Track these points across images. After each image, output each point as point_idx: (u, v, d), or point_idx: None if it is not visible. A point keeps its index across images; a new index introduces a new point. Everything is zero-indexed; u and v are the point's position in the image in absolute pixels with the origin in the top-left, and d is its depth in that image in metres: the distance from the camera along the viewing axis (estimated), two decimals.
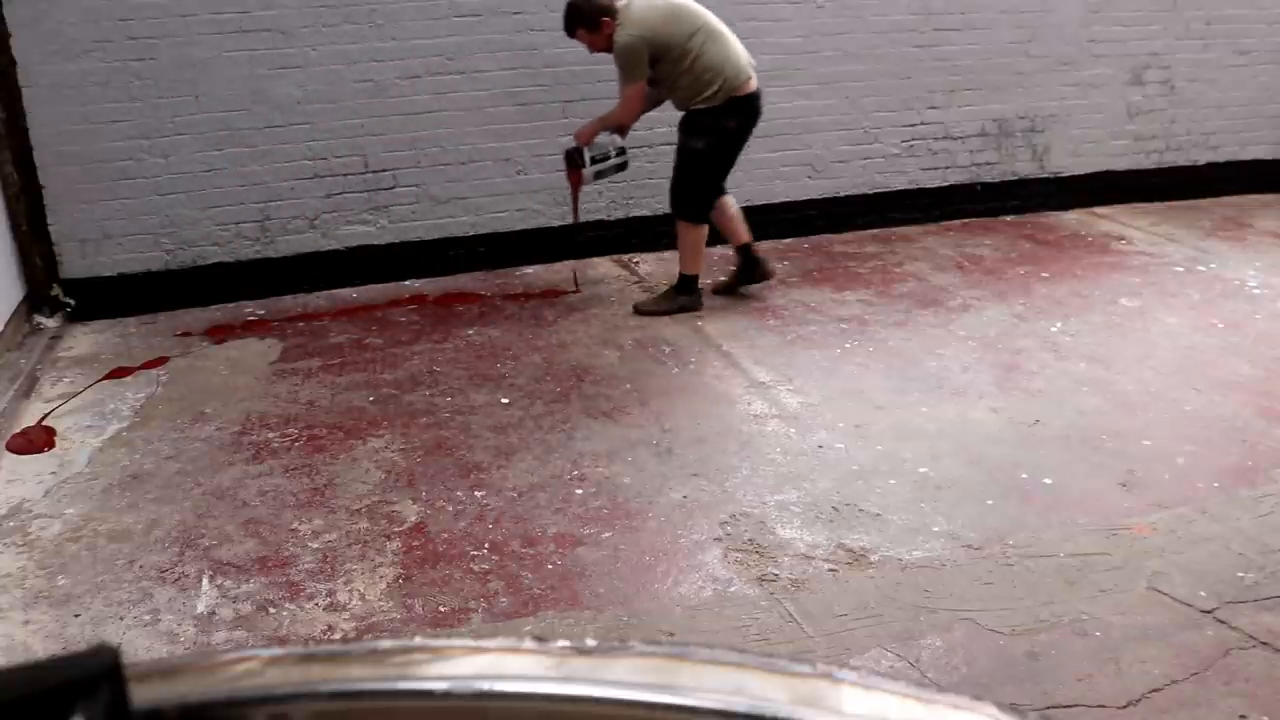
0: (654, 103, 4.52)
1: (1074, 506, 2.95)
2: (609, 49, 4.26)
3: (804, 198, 5.71)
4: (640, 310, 4.58)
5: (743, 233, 4.63)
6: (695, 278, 4.58)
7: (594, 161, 4.55)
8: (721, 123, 4.31)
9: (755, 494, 3.04)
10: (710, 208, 4.52)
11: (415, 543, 2.83)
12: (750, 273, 4.70)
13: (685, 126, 4.41)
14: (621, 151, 4.62)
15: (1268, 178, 6.49)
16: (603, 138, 4.55)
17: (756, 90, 4.35)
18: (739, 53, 4.32)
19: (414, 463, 3.28)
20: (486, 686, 0.60)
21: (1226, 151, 6.45)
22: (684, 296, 4.57)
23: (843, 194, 5.78)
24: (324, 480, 3.18)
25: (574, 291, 4.92)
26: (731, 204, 4.60)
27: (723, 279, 4.81)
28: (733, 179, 5.52)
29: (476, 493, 3.09)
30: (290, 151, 4.82)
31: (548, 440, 3.41)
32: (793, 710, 0.58)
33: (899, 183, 5.86)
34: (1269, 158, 6.54)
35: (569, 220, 4.93)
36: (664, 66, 4.24)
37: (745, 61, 4.32)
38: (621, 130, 4.53)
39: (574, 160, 4.54)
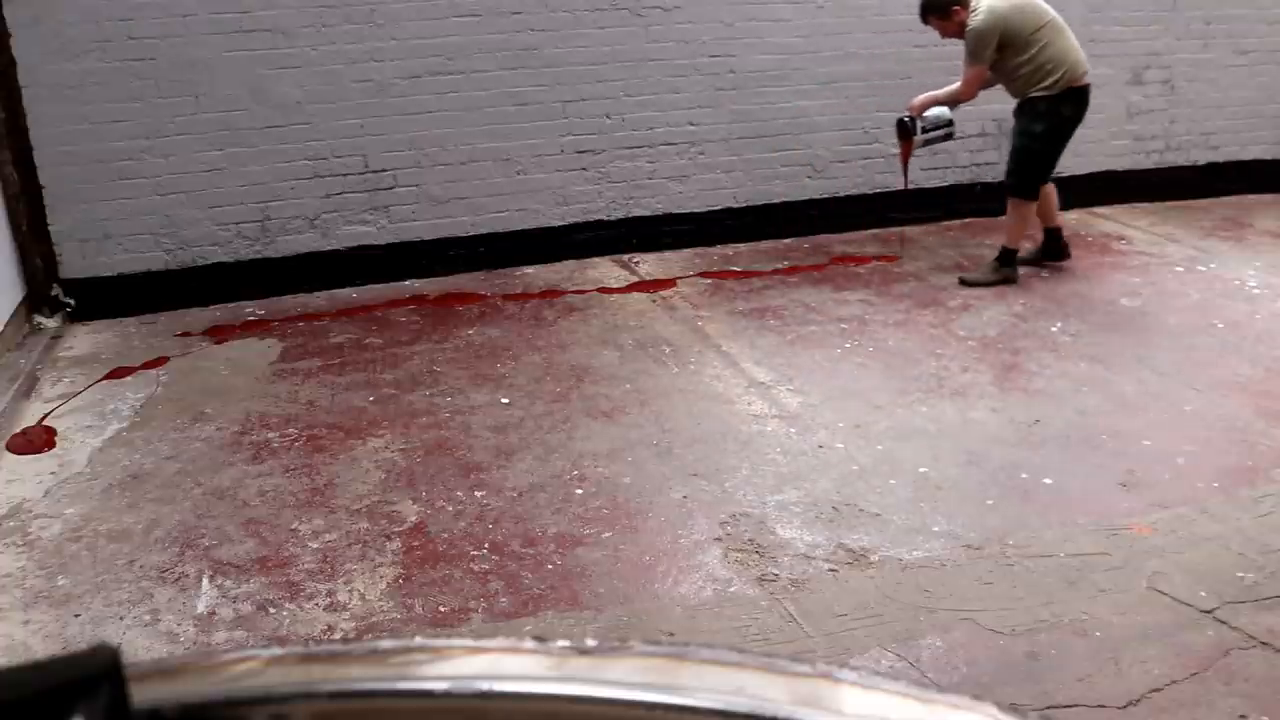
0: (983, 86, 4.82)
1: (1074, 506, 2.95)
2: (959, 35, 4.64)
3: (804, 198, 5.71)
4: (965, 282, 4.85)
5: (1055, 216, 5.01)
6: (1016, 251, 4.88)
7: (923, 132, 4.84)
8: (1059, 110, 4.64)
9: (755, 494, 3.04)
10: (1041, 187, 4.84)
11: (415, 543, 2.83)
12: (1053, 252, 5.08)
13: (1024, 113, 4.74)
14: (949, 124, 4.88)
15: (1268, 178, 6.49)
16: (932, 110, 4.82)
17: (1089, 84, 4.68)
18: (1078, 47, 4.66)
19: (414, 463, 3.28)
20: (486, 686, 0.60)
21: (1226, 151, 6.44)
22: (1006, 268, 4.86)
23: (843, 194, 5.78)
24: (324, 480, 3.18)
25: (897, 259, 5.26)
26: (1052, 189, 4.95)
27: (1029, 250, 5.07)
28: (734, 178, 5.56)
29: (476, 493, 3.09)
30: (290, 151, 4.82)
31: (548, 440, 3.41)
32: (793, 710, 0.58)
33: (899, 183, 5.86)
34: (1269, 158, 6.53)
35: (898, 186, 5.35)
36: (1008, 54, 4.59)
37: (1083, 56, 4.66)
38: (953, 105, 4.85)
39: (905, 130, 4.87)
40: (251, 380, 3.97)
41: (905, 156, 5.03)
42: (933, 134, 4.89)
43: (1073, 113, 4.68)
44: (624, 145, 5.32)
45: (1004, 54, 4.59)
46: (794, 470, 3.18)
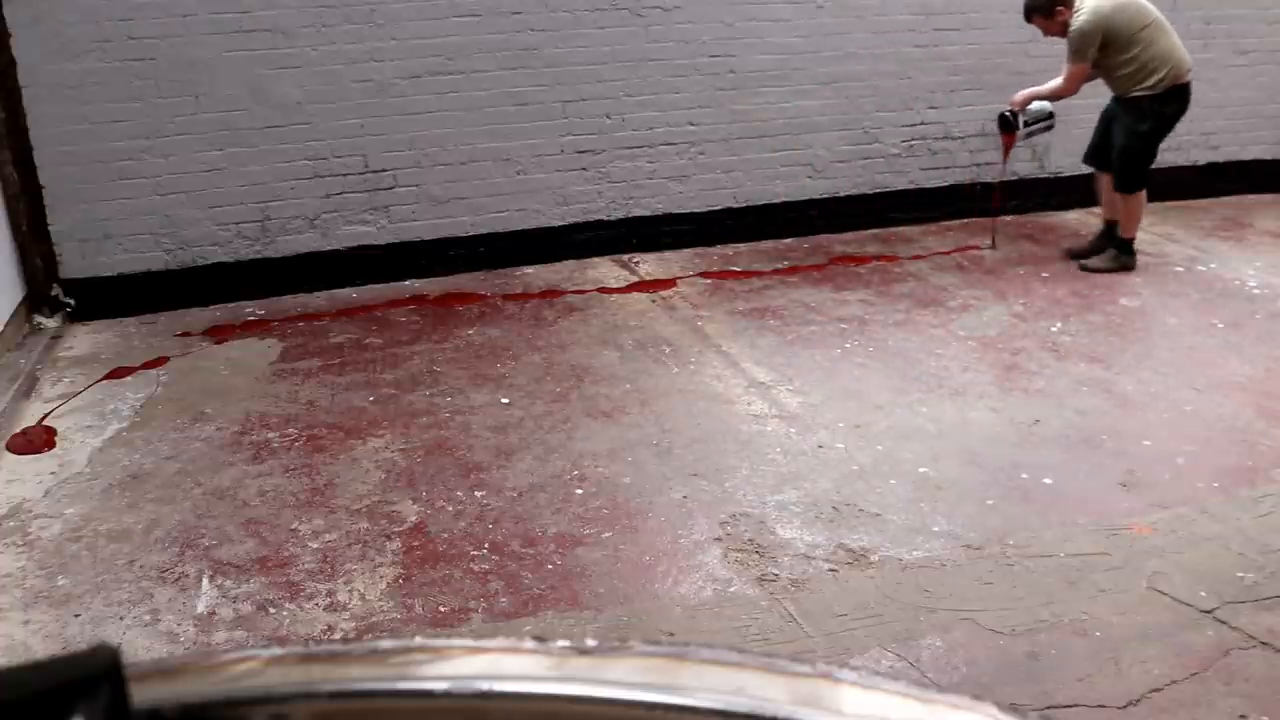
0: (1087, 81, 4.94)
1: (1074, 506, 2.95)
2: (1062, 34, 4.78)
3: (804, 198, 5.71)
4: (1086, 268, 5.04)
5: (1116, 210, 5.10)
6: (1133, 240, 5.04)
7: (1025, 125, 5.00)
8: (1161, 108, 4.79)
9: (755, 494, 3.04)
10: (1148, 178, 4.97)
11: (415, 543, 2.83)
12: (1104, 247, 5.14)
13: (1128, 111, 4.86)
14: (1050, 117, 5.05)
15: (1268, 178, 6.49)
16: (1034, 105, 5.00)
17: (1190, 80, 4.82)
18: (1181, 46, 4.81)
19: (414, 463, 3.28)
20: (486, 686, 0.60)
21: (1226, 151, 6.44)
22: (1125, 256, 5.05)
23: (843, 194, 5.78)
24: (324, 480, 3.18)
25: (990, 248, 5.42)
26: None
27: (1077, 247, 5.25)
28: (734, 178, 5.56)
29: (476, 493, 3.09)
30: (290, 151, 4.81)
31: (548, 440, 3.41)
32: (793, 710, 0.58)
33: (899, 183, 5.86)
34: (1269, 158, 6.53)
35: (999, 178, 5.56)
36: (1110, 52, 4.72)
37: (1186, 55, 4.81)
38: (1054, 100, 5.03)
39: (1008, 123, 5.10)
40: (251, 380, 3.97)
41: (1007, 149, 5.23)
42: (1034, 128, 5.06)
43: (1176, 110, 4.83)
44: (624, 145, 5.32)
45: (1106, 52, 4.71)
46: (794, 470, 3.18)
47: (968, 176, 5.98)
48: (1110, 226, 5.14)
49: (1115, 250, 5.05)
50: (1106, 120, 5.02)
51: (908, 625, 2.43)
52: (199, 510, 3.02)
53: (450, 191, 5.11)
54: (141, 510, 3.02)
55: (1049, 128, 5.14)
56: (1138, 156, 4.89)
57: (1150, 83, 4.72)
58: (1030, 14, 4.86)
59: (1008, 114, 5.08)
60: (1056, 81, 4.91)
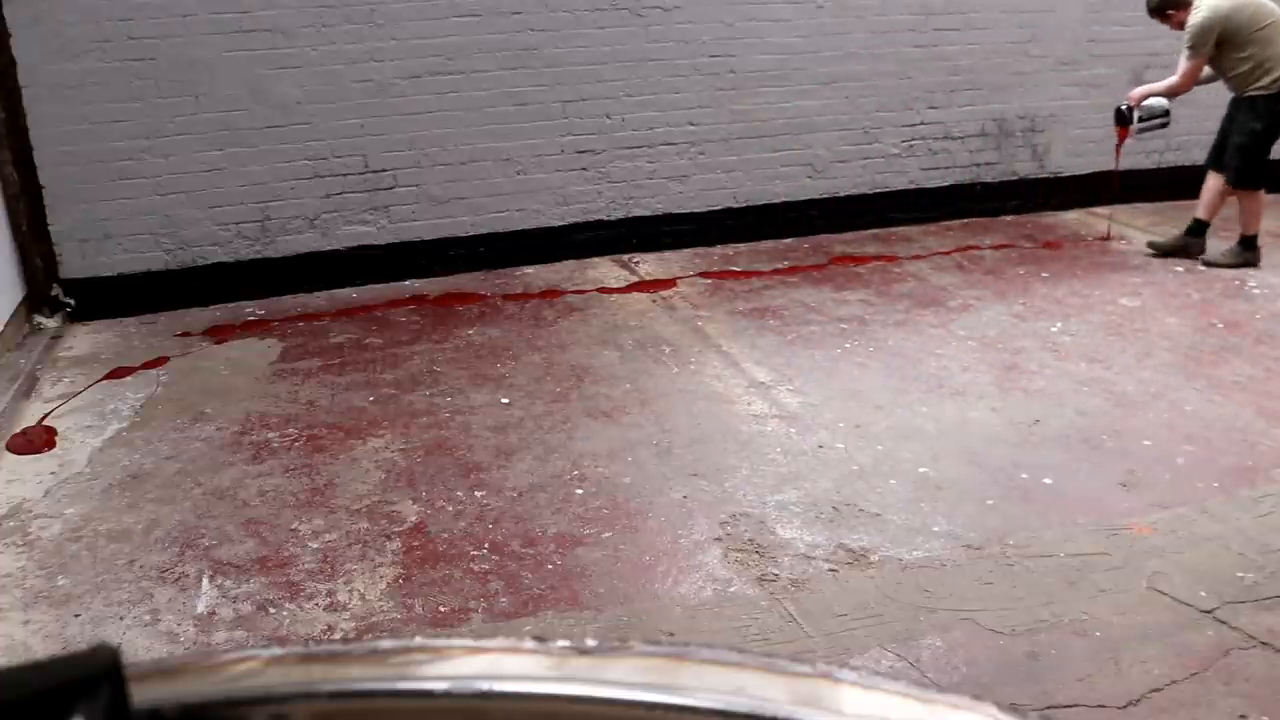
0: (1204, 81, 5.09)
1: (1074, 506, 2.95)
2: (1181, 28, 4.92)
3: (804, 198, 5.71)
4: (1210, 264, 5.10)
5: (1214, 211, 5.18)
6: (1256, 236, 5.09)
7: (1140, 121, 5.15)
8: (1276, 106, 4.86)
9: (755, 494, 3.04)
10: (1266, 176, 5.05)
11: (415, 543, 2.83)
12: (1190, 246, 5.22)
13: (1243, 109, 4.95)
14: (1165, 113, 5.14)
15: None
16: (1149, 101, 5.10)
17: None
18: None
19: (414, 463, 3.28)
20: (486, 686, 0.60)
21: None
22: (1249, 253, 5.11)
23: (843, 194, 5.78)
24: (324, 480, 3.18)
25: (1106, 238, 5.62)
26: (1223, 186, 5.13)
27: (1164, 240, 5.32)
28: (734, 178, 5.56)
29: (476, 493, 3.09)
30: (290, 151, 4.82)
31: (548, 440, 3.41)
32: (793, 710, 0.58)
33: (899, 183, 5.87)
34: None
35: (1111, 168, 5.68)
36: (1226, 50, 4.83)
37: None
38: (1170, 96, 5.14)
39: (1123, 118, 5.23)
40: (251, 380, 3.97)
41: (1120, 143, 5.33)
42: (1148, 123, 5.16)
43: None
44: (624, 145, 5.33)
45: (1222, 50, 4.82)
46: (794, 470, 3.18)
47: (968, 176, 5.98)
48: (1198, 224, 5.18)
49: (1240, 247, 5.10)
50: (1228, 123, 5.08)
51: (908, 625, 2.43)
52: (199, 510, 3.02)
53: (450, 191, 5.11)
54: (141, 510, 3.02)
55: (1164, 124, 5.21)
56: (1252, 153, 4.95)
57: (1265, 82, 4.80)
58: (1151, 14, 5.04)
59: (1123, 109, 5.16)
60: (1172, 78, 4.99)
